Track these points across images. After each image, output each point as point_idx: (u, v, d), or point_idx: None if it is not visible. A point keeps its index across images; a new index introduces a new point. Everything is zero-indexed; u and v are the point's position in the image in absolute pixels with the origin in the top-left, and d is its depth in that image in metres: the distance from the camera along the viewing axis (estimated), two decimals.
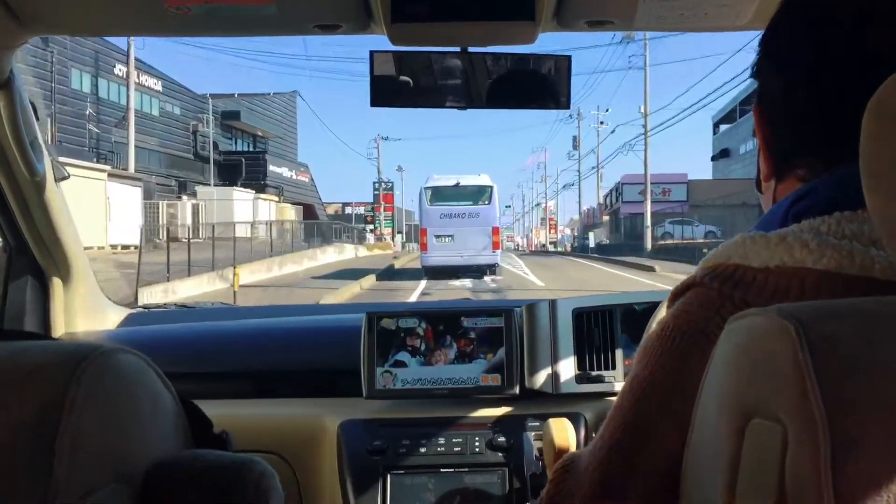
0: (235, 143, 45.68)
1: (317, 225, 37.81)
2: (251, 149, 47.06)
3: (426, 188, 20.89)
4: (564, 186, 63.70)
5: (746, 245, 0.69)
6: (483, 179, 21.13)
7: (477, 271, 20.34)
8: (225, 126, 43.21)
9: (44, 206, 1.64)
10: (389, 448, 1.65)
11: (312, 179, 51.43)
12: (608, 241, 47.91)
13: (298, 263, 23.08)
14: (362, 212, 64.78)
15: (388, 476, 1.64)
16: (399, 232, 66.48)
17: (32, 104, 1.56)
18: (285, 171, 47.22)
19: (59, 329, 1.82)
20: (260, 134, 47.02)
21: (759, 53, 0.80)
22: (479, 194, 20.81)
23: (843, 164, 0.69)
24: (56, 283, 1.80)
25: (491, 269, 20.76)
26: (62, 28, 1.44)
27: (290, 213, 40.63)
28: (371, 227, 56.13)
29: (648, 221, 31.45)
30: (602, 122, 52.80)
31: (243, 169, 41.68)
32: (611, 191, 49.43)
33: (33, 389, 0.51)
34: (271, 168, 44.55)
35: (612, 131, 43.74)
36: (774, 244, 0.67)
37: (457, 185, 20.93)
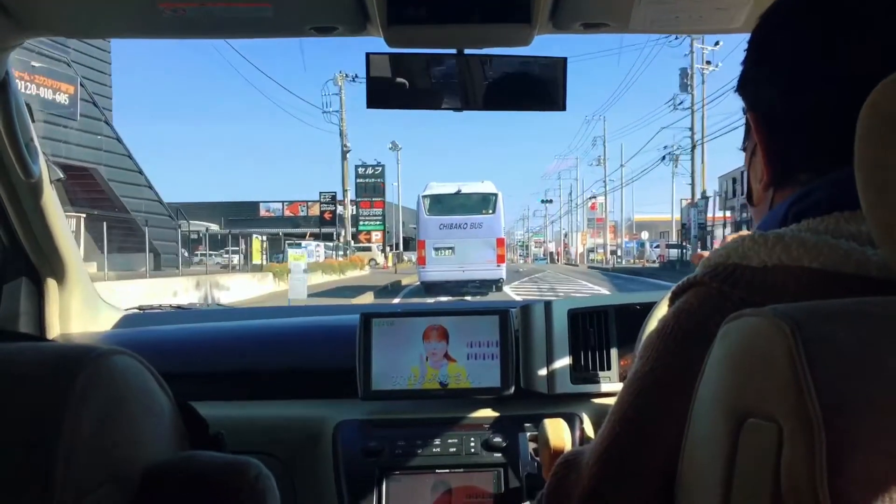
0: None
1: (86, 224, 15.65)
2: None
3: (424, 196, 19.48)
4: (664, 158, 37.94)
5: (745, 244, 0.70)
6: (486, 187, 19.77)
7: (480, 287, 18.97)
8: None
9: (39, 208, 1.64)
10: (385, 449, 1.65)
11: (93, 103, 19.98)
12: None
13: None
14: (353, 212, 45.90)
15: (384, 477, 1.64)
16: (389, 244, 49.51)
17: (28, 105, 1.56)
18: None
19: (54, 330, 1.82)
20: None
21: (749, 61, 0.80)
22: (483, 203, 19.37)
23: (844, 166, 0.69)
24: (51, 284, 1.80)
25: (496, 284, 19.42)
26: (58, 29, 1.44)
27: None
28: (323, 233, 39.49)
29: None
30: (708, 63, 32.25)
31: None
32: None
33: (30, 392, 0.52)
34: None
35: None
36: (772, 243, 0.68)
37: (458, 193, 19.50)
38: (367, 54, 1.44)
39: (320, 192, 42.50)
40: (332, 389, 1.77)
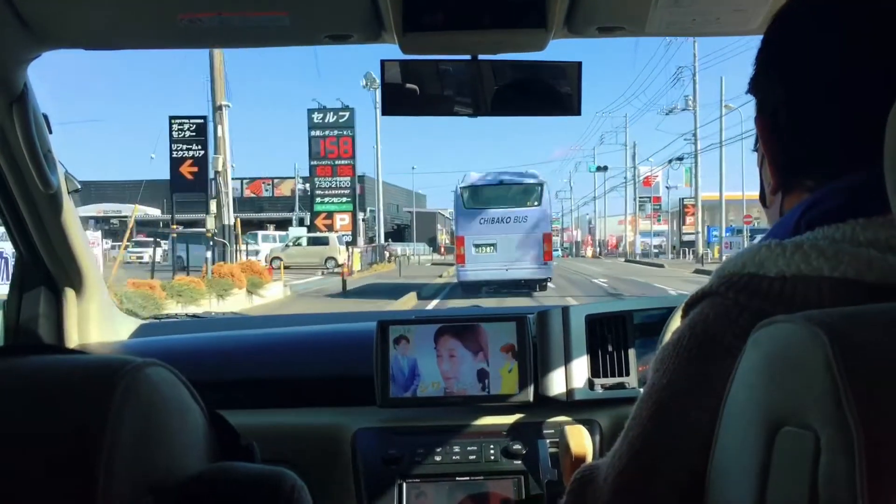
0: None
1: None
2: None
3: (463, 188, 17.55)
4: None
5: (762, 253, 0.69)
6: (531, 176, 18.05)
7: (524, 287, 17.28)
8: None
9: (57, 219, 1.65)
10: (404, 456, 1.65)
11: None
12: None
13: None
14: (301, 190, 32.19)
15: (404, 484, 1.63)
16: (369, 234, 35.50)
17: (45, 116, 1.57)
18: None
19: (72, 340, 1.83)
20: None
21: (758, 66, 0.79)
22: (527, 194, 17.49)
23: (852, 172, 0.69)
24: (69, 294, 1.81)
25: (541, 284, 17.64)
26: (76, 42, 1.45)
27: None
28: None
29: None
30: None
31: None
32: None
33: (71, 405, 0.51)
34: None
35: None
36: (790, 252, 0.67)
37: (500, 184, 17.67)
38: (382, 61, 1.45)
39: (171, 118, 18.49)
40: (349, 397, 1.77)
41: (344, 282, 19.20)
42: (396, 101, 1.50)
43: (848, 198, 0.69)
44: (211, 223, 17.71)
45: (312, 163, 29.20)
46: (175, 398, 0.61)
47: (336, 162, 29.22)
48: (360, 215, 32.91)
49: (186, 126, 18.53)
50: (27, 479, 0.49)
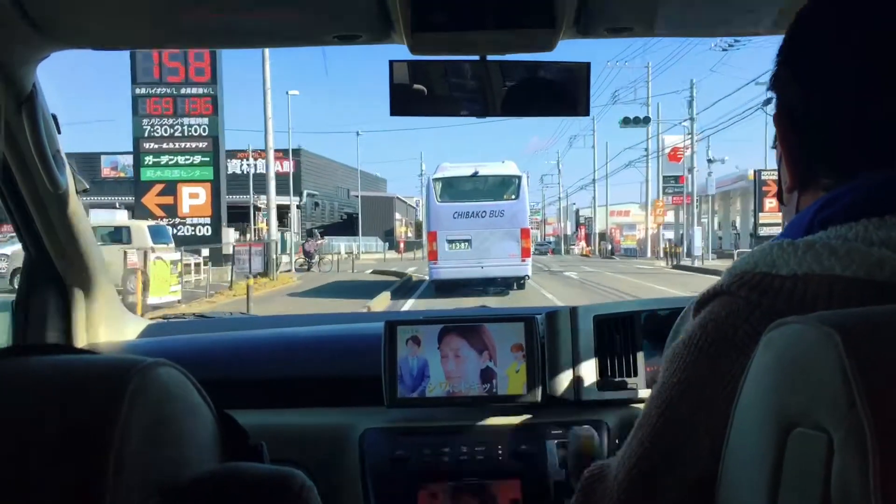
0: None
1: None
2: None
3: (435, 179, 16.58)
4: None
5: (773, 252, 0.69)
6: (508, 168, 17.04)
7: (501, 286, 16.63)
8: None
9: (66, 219, 1.65)
10: (412, 457, 1.64)
11: None
12: None
13: None
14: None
15: (412, 485, 1.63)
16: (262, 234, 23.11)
17: (54, 116, 1.58)
18: None
19: (81, 340, 1.83)
20: None
21: (778, 62, 0.79)
22: (504, 187, 16.57)
23: (868, 170, 0.69)
24: (77, 294, 1.81)
25: (518, 282, 16.96)
26: (84, 42, 1.45)
27: None
28: None
29: None
30: None
31: None
32: None
33: (81, 404, 0.51)
34: None
35: None
36: (802, 251, 0.67)
37: (475, 176, 16.69)
38: (391, 62, 1.45)
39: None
40: (357, 397, 1.77)
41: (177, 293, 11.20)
42: (404, 101, 1.49)
43: (862, 197, 0.69)
44: None
45: (138, 91, 16.92)
46: (185, 398, 0.61)
47: (181, 90, 16.98)
48: (295, 201, 22.67)
49: None
50: (37, 477, 0.49)
